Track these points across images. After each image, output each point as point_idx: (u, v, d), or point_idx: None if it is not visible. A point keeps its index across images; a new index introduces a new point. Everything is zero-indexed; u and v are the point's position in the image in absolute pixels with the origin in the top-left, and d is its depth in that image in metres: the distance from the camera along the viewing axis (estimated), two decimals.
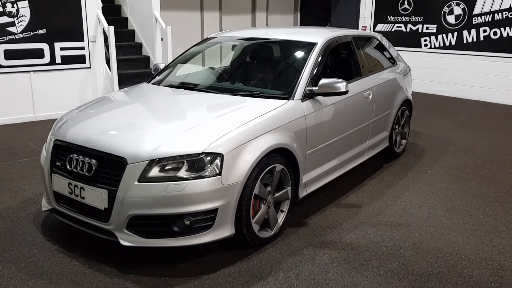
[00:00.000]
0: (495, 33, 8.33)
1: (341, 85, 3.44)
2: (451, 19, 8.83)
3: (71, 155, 2.96)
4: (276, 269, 2.87)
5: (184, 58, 4.45)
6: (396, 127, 5.03)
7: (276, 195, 3.22)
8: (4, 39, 6.23)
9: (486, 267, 2.95)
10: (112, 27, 6.76)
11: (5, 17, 6.20)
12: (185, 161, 2.74)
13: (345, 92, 3.48)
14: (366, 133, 4.38)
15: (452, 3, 8.77)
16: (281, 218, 3.29)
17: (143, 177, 2.70)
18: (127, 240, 2.76)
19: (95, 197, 2.80)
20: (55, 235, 3.27)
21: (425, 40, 9.27)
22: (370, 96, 4.32)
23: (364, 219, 3.60)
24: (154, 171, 2.71)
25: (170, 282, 2.72)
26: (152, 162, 2.71)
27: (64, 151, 3.04)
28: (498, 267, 2.96)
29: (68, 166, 2.95)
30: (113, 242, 2.82)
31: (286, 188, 3.29)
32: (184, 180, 2.69)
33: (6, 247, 3.10)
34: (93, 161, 2.84)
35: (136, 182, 2.70)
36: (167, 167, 2.73)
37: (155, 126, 3.12)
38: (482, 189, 4.27)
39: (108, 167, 2.80)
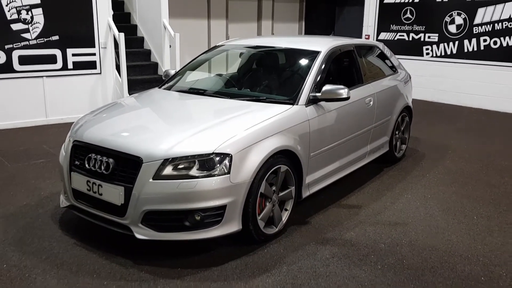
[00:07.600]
0: (495, 43, 8.52)
1: (343, 92, 3.64)
2: (452, 28, 9.04)
3: (90, 155, 3.17)
4: (280, 263, 3.06)
5: (193, 65, 4.66)
6: (396, 132, 5.22)
7: (281, 194, 3.42)
8: (19, 45, 6.47)
9: (478, 263, 3.13)
10: (122, 34, 6.98)
11: (20, 23, 6.45)
12: (196, 160, 2.94)
13: (347, 98, 3.68)
14: (367, 138, 4.58)
15: (453, 13, 8.98)
16: (285, 216, 3.48)
17: (158, 175, 2.91)
18: (141, 233, 2.96)
19: (112, 193, 3.01)
20: (72, 230, 3.48)
21: (427, 49, 9.47)
22: (371, 102, 4.52)
23: (363, 218, 3.79)
24: (168, 170, 2.92)
25: (181, 272, 2.93)
26: (166, 161, 2.92)
27: (83, 151, 3.26)
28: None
29: (86, 165, 3.17)
30: (128, 236, 3.02)
31: (290, 188, 3.49)
32: (195, 178, 2.90)
33: (27, 240, 3.31)
34: (111, 160, 3.05)
35: (151, 180, 2.90)
36: (179, 166, 2.93)
37: (168, 128, 3.34)
38: (478, 192, 4.45)
39: (125, 166, 3.01)
